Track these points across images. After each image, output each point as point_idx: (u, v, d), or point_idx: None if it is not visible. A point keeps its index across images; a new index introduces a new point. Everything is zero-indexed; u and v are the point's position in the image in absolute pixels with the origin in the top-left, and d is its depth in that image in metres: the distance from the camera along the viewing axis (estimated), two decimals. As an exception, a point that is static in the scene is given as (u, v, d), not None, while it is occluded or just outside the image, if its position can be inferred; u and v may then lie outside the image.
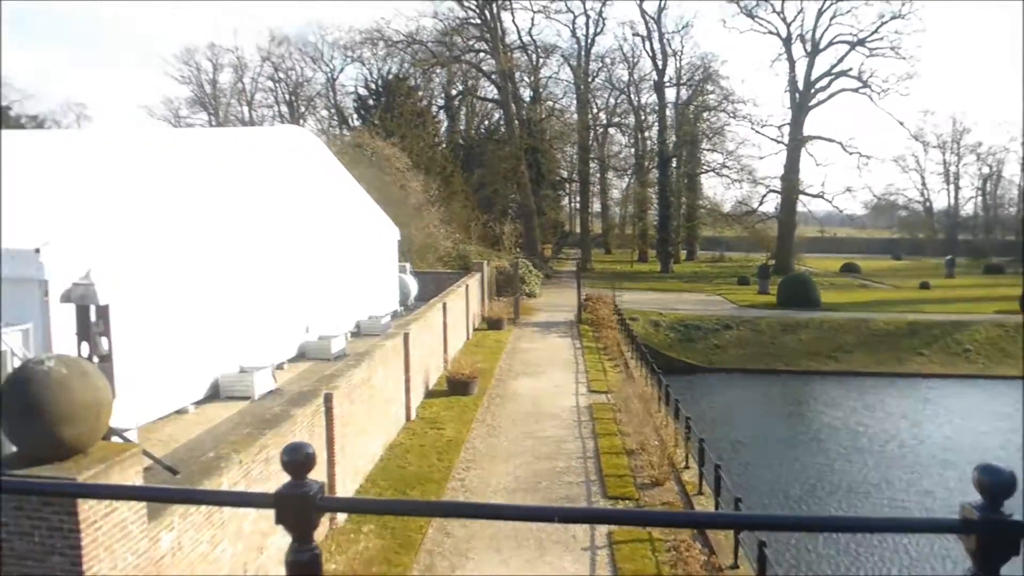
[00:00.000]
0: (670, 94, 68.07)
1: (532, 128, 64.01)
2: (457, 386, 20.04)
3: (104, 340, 9.85)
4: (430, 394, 19.83)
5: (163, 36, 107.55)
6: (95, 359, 9.84)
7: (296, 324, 20.85)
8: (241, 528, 8.62)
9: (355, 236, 25.94)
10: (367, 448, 13.90)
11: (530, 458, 15.21)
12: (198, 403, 15.75)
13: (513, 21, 64.93)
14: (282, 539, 9.20)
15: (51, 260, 11.19)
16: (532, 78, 68.84)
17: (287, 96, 74.21)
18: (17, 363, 10.22)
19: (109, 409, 5.51)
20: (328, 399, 11.44)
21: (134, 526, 6.16)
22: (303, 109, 73.08)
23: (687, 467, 14.70)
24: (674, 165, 68.89)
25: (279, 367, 18.91)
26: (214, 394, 16.32)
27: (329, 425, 11.44)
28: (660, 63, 66.05)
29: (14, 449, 5.57)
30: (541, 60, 68.46)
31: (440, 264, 40.55)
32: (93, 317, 9.76)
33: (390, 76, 60.28)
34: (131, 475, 5.96)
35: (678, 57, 67.67)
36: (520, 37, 66.05)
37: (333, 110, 71.39)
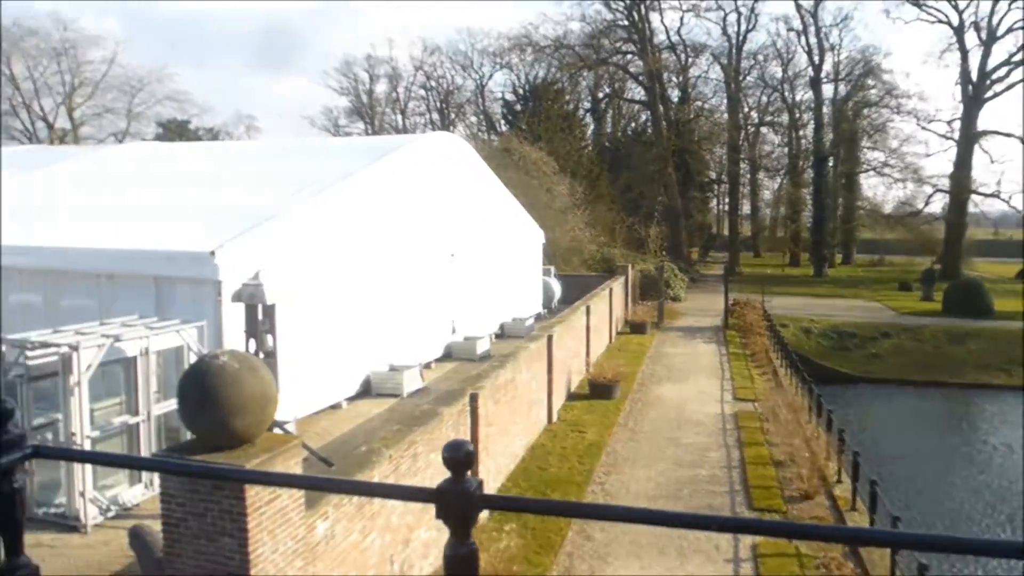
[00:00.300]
0: (827, 90, 65.07)
1: (680, 129, 62.93)
2: (599, 389, 20.03)
3: (269, 337, 10.57)
4: (572, 397, 19.91)
5: (325, 50, 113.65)
6: (261, 355, 10.58)
7: (443, 325, 21.49)
8: (389, 521, 9.02)
9: (501, 239, 26.44)
10: (509, 448, 14.16)
11: (672, 465, 14.99)
12: (350, 399, 16.53)
13: (661, 21, 63.80)
14: (426, 533, 9.56)
15: (224, 262, 12.15)
16: (680, 78, 67.70)
17: (438, 104, 76.56)
18: (194, 357, 11.15)
19: (275, 402, 5.93)
20: (473, 399, 11.74)
21: (293, 513, 6.59)
22: (453, 116, 75.17)
23: (839, 481, 14.03)
24: (831, 164, 65.72)
25: (426, 366, 19.56)
26: (365, 391, 17.08)
27: (474, 424, 11.75)
28: (817, 58, 63.28)
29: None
30: (690, 59, 67.23)
31: (584, 267, 40.59)
32: (260, 316, 10.50)
33: (537, 81, 61.02)
34: (292, 465, 6.38)
35: (836, 51, 64.58)
36: (668, 37, 65.10)
37: (482, 116, 73.02)
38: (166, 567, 6.71)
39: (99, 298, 13.31)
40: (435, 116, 76.00)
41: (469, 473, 1.99)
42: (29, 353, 9.71)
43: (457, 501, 1.94)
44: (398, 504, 9.22)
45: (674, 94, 67.64)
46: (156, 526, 8.93)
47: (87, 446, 9.59)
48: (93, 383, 9.85)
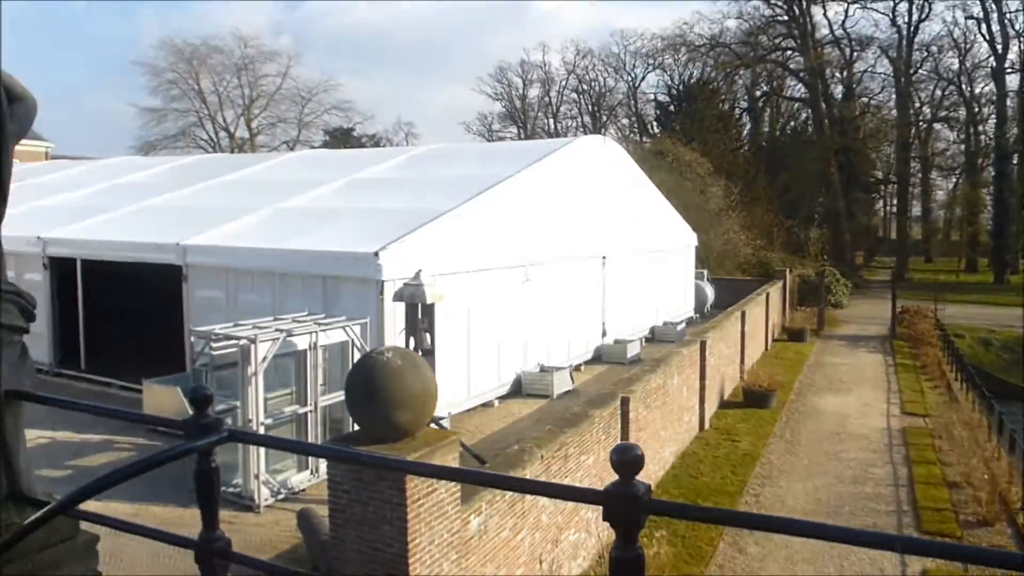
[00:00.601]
0: (1011, 81, 59.83)
1: (844, 127, 59.78)
2: (754, 398, 19.37)
3: (428, 336, 10.96)
4: (724, 404, 19.37)
5: (479, 57, 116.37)
6: (419, 352, 10.98)
7: (594, 328, 21.48)
8: (540, 520, 9.12)
9: (653, 242, 26.12)
10: (659, 455, 13.96)
11: (832, 480, 14.28)
12: (502, 398, 16.83)
13: (824, 15, 60.74)
14: (575, 535, 9.59)
15: (386, 263, 12.72)
16: (844, 73, 64.24)
17: (590, 107, 76.56)
18: (358, 353, 11.73)
19: (434, 399, 6.14)
20: (624, 403, 11.66)
21: (449, 507, 6.80)
22: (605, 119, 74.92)
23: (1024, 509, 12.89)
24: (1015, 162, 60.40)
25: (576, 368, 19.61)
26: (516, 391, 17.33)
27: (624, 428, 11.67)
28: (1000, 47, 58.34)
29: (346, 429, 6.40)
30: (855, 54, 63.68)
31: (739, 271, 39.39)
32: (420, 314, 10.90)
33: (691, 81, 59.77)
34: (450, 459, 6.58)
35: (1022, 39, 59.27)
36: (832, 31, 62.02)
37: (634, 118, 72.36)
38: (330, 549, 7.09)
39: (273, 295, 14.27)
40: (586, 119, 76.07)
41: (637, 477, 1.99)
42: (213, 344, 10.54)
43: (626, 505, 1.94)
44: (548, 503, 9.31)
45: (837, 90, 64.30)
46: (321, 510, 9.47)
47: (261, 432, 10.29)
48: (267, 374, 10.56)
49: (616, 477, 1.97)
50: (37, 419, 12.58)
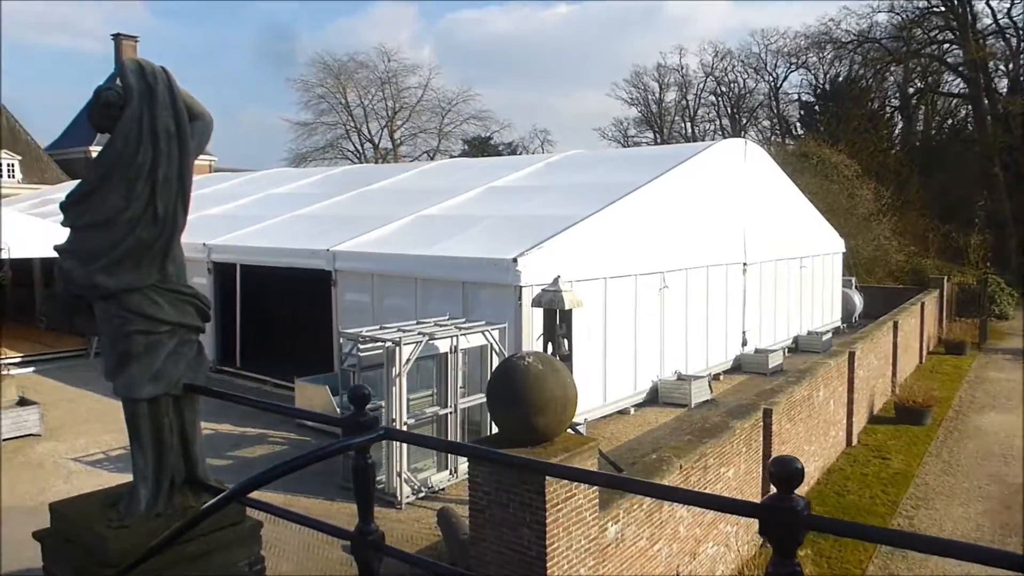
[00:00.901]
0: None
1: (1009, 123, 55.38)
2: (907, 414, 18.24)
3: (565, 342, 11.02)
4: (874, 420, 18.36)
5: (613, 63, 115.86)
6: (557, 358, 11.06)
7: (733, 336, 20.92)
8: (677, 531, 8.96)
9: (798, 248, 25.15)
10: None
11: (996, 506, 13.24)
12: (638, 406, 16.66)
13: (987, 3, 56.50)
14: (713, 548, 9.36)
15: (525, 269, 12.90)
16: (1011, 65, 59.49)
17: (729, 109, 74.62)
18: (495, 357, 11.94)
19: (574, 404, 6.18)
20: (767, 415, 11.29)
21: (588, 512, 6.80)
22: (744, 121, 72.81)
23: None
24: None
25: (715, 378, 19.15)
26: (652, 399, 17.12)
27: (767, 441, 11.29)
28: None
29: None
30: (1023, 44, 58.88)
31: (890, 279, 37.25)
32: (558, 320, 10.98)
33: (838, 79, 57.13)
34: (588, 465, 6.58)
35: None
36: (995, 20, 57.57)
37: (776, 120, 69.92)
38: (469, 548, 7.25)
39: (415, 299, 14.76)
40: (725, 122, 74.15)
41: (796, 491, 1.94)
42: (360, 346, 11.02)
43: (784, 519, 1.89)
44: (686, 514, 9.14)
45: (1002, 84, 59.62)
46: (460, 510, 9.70)
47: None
48: (410, 375, 10.93)
49: (773, 490, 1.93)
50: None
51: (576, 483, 6.58)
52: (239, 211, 23.04)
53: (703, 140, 63.90)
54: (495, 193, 19.60)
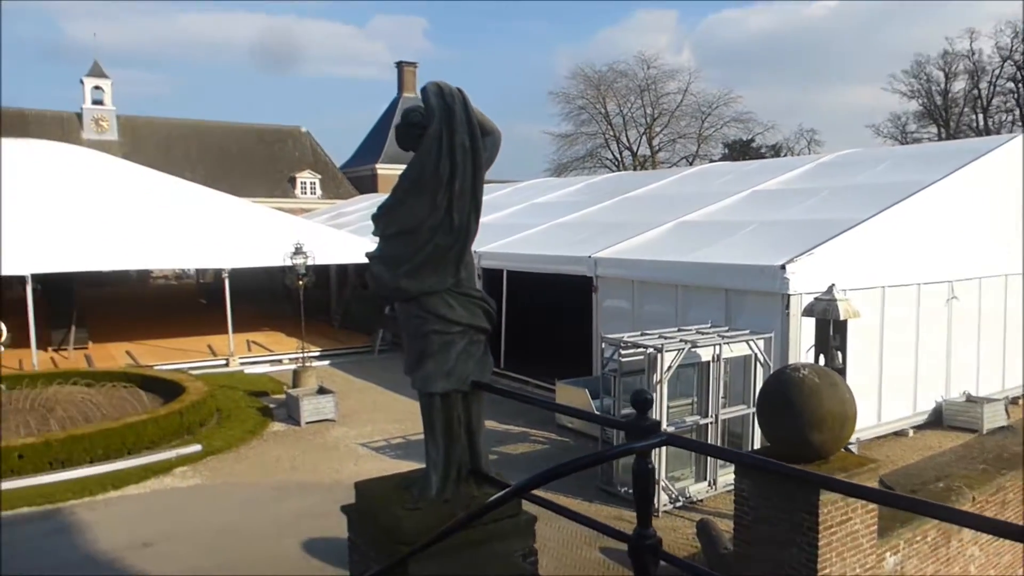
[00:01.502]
0: None
1: None
2: None
3: (839, 354, 10.37)
4: None
5: (888, 54, 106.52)
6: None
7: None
8: (967, 570, 8.11)
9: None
10: None
11: None
12: (917, 428, 15.23)
13: None
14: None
15: (794, 276, 12.30)
16: None
17: (1033, 97, 65.72)
18: (759, 368, 11.52)
19: (852, 421, 5.81)
20: (1082, 447, 9.84)
21: (864, 539, 6.36)
22: (1053, 110, 63.74)
23: None
24: None
25: (1013, 401, 16.97)
26: (935, 421, 15.56)
27: (1082, 477, 9.83)
28: None
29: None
30: None
31: None
32: (831, 331, 10.37)
33: None
34: (867, 489, 6.16)
35: None
36: None
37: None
38: (732, 564, 7.06)
39: (675, 306, 14.63)
40: (1026, 112, 65.38)
41: None
42: (622, 351, 11.14)
43: None
44: (978, 553, 8.25)
45: None
46: (719, 523, 9.48)
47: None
48: (670, 382, 10.87)
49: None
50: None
51: (852, 506, 6.19)
52: (505, 220, 24.23)
53: (998, 133, 56.97)
54: (760, 197, 18.88)
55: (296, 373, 17.69)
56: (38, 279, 20.71)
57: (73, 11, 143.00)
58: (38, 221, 21.45)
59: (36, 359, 20.03)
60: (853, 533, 6.27)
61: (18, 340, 18.73)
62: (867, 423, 13.92)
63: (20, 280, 19.96)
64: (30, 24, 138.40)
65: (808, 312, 10.91)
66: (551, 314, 20.31)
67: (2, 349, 14.69)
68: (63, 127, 52.28)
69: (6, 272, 19.43)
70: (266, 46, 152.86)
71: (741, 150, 61.78)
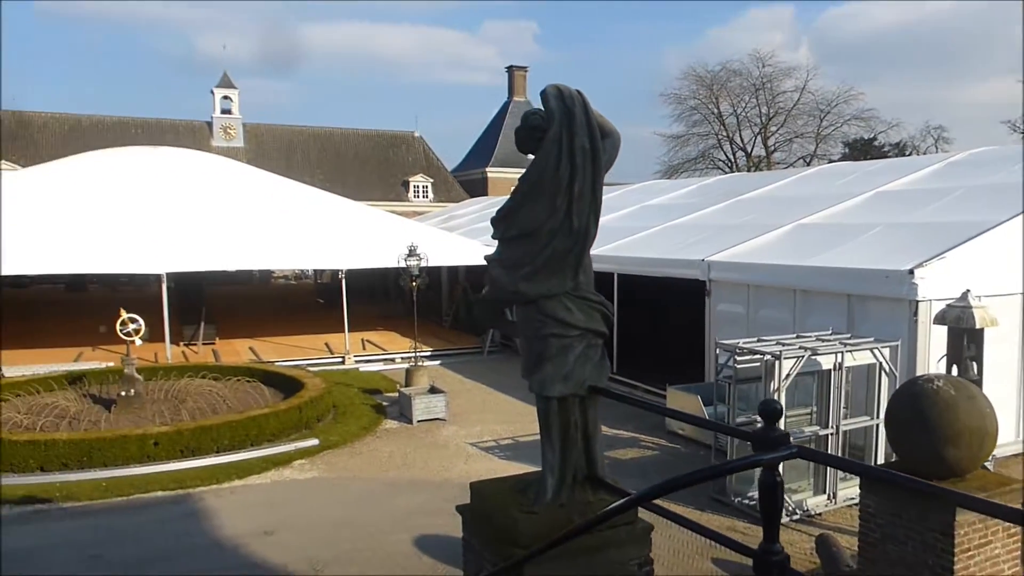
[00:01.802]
0: None
1: None
2: None
3: (974, 365, 9.74)
4: None
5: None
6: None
7: None
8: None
9: None
10: None
11: None
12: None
13: None
14: None
15: (923, 281, 11.65)
16: None
17: None
18: (885, 377, 10.97)
19: (993, 438, 5.44)
20: None
21: (1006, 565, 5.94)
22: None
23: None
24: None
25: None
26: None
27: None
28: None
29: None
30: None
31: None
32: (965, 341, 9.76)
33: None
34: (1010, 511, 5.75)
35: None
36: None
37: None
38: (855, 583, 6.74)
39: (793, 311, 14.12)
40: None
41: None
42: (737, 357, 10.84)
43: None
44: None
45: None
46: (840, 539, 9.07)
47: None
48: (788, 391, 10.48)
49: None
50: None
51: (992, 529, 5.80)
52: (617, 222, 24.01)
53: None
54: (884, 198, 17.99)
55: (408, 372, 18.09)
56: (172, 278, 22.04)
57: (205, 25, 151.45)
58: (172, 224, 22.79)
59: (169, 353, 21.30)
60: (993, 558, 5.87)
61: (154, 334, 20.03)
62: (1005, 439, 13.01)
63: (156, 279, 21.32)
64: (164, 39, 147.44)
65: (940, 320, 10.30)
66: (661, 318, 19.98)
67: (140, 342, 15.66)
68: (195, 135, 55.54)
69: (148, 271, 21.05)
70: (376, 55, 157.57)
71: (862, 149, 59.06)
